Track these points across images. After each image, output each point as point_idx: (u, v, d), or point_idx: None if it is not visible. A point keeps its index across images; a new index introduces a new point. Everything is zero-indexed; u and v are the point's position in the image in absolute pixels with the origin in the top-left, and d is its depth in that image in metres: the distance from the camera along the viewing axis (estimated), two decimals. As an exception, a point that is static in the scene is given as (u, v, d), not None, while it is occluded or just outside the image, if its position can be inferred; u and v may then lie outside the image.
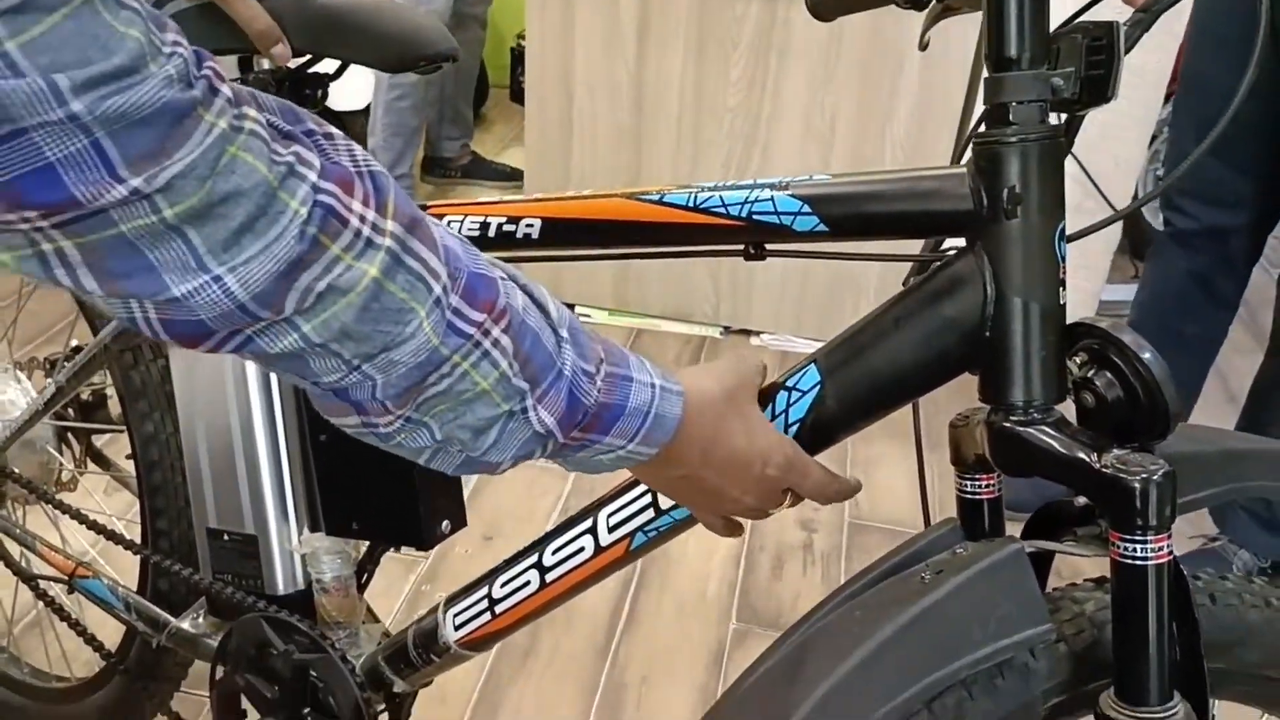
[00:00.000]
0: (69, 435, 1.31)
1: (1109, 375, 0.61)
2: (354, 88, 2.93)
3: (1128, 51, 0.64)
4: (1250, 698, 0.69)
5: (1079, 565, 0.65)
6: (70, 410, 1.28)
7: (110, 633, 1.19)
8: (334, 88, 2.97)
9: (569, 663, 1.58)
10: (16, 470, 1.22)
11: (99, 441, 1.36)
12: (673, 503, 0.74)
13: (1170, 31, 1.92)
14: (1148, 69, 2.04)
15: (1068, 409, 0.63)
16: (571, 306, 2.54)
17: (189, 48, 0.40)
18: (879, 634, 0.58)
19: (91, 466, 1.34)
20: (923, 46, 0.88)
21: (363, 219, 0.45)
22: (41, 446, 1.27)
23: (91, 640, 1.18)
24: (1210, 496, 0.65)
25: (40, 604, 1.21)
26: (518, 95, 3.60)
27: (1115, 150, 2.17)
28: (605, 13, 2.21)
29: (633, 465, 0.61)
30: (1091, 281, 2.34)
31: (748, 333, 2.54)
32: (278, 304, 0.43)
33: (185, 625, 1.06)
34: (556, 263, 2.51)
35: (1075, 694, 0.63)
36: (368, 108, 2.97)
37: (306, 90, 0.91)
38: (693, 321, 2.54)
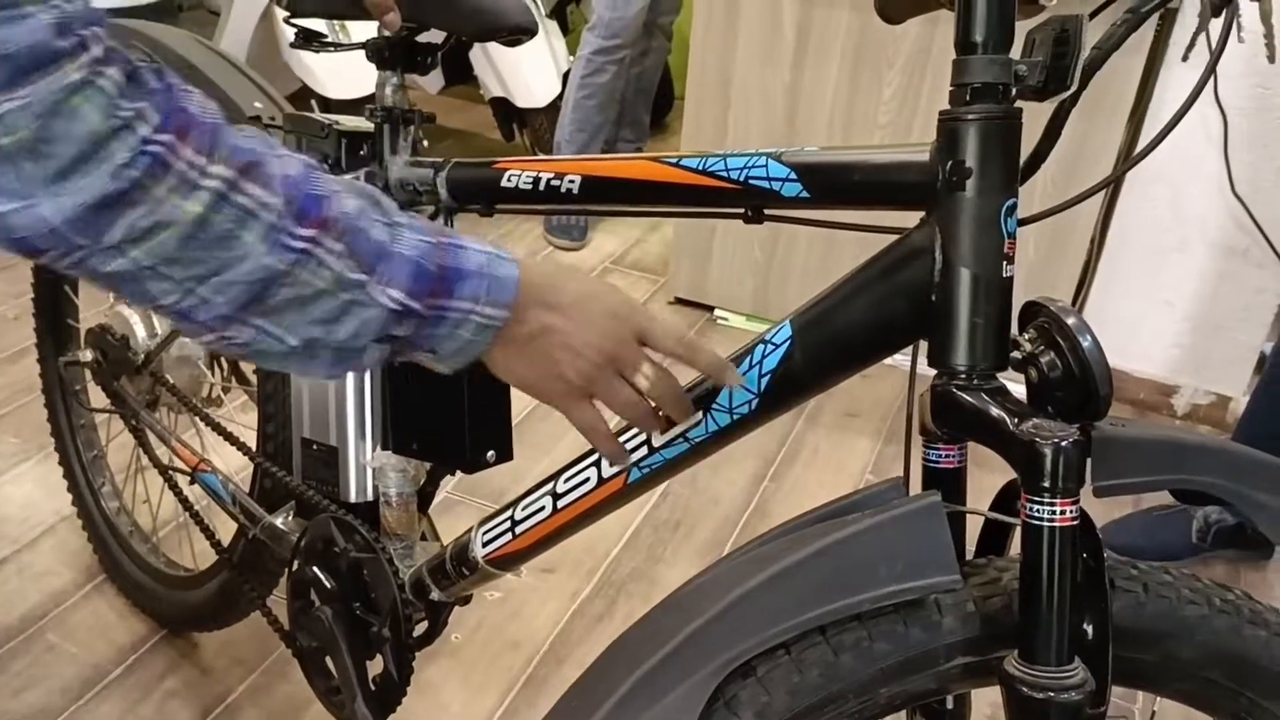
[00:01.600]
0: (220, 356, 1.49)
1: (1052, 354, 0.64)
2: (536, 89, 3.13)
3: (1114, 50, 0.67)
4: (1193, 699, 0.69)
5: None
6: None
7: (225, 534, 1.35)
8: (519, 87, 3.18)
9: (638, 631, 1.65)
10: (170, 379, 1.41)
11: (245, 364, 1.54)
12: (664, 442, 0.80)
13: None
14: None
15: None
16: (711, 309, 2.63)
17: (85, 4, 0.47)
18: (787, 559, 0.63)
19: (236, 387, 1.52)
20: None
21: (191, 164, 0.51)
22: (194, 362, 1.45)
23: (209, 532, 1.34)
24: (1155, 482, 0.66)
25: (179, 504, 1.39)
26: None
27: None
28: (768, 24, 2.28)
29: (492, 338, 0.64)
30: (1250, 335, 2.22)
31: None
32: (99, 233, 0.50)
33: (276, 521, 1.20)
34: (697, 268, 2.58)
35: (985, 659, 0.65)
36: (547, 107, 3.15)
37: (417, 56, 1.02)
38: (829, 335, 2.56)
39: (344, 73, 2.61)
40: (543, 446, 2.10)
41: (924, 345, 0.70)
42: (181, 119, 0.52)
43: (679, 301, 2.71)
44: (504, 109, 3.28)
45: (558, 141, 3.06)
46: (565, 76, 3.10)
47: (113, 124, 0.48)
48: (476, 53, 3.18)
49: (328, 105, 2.63)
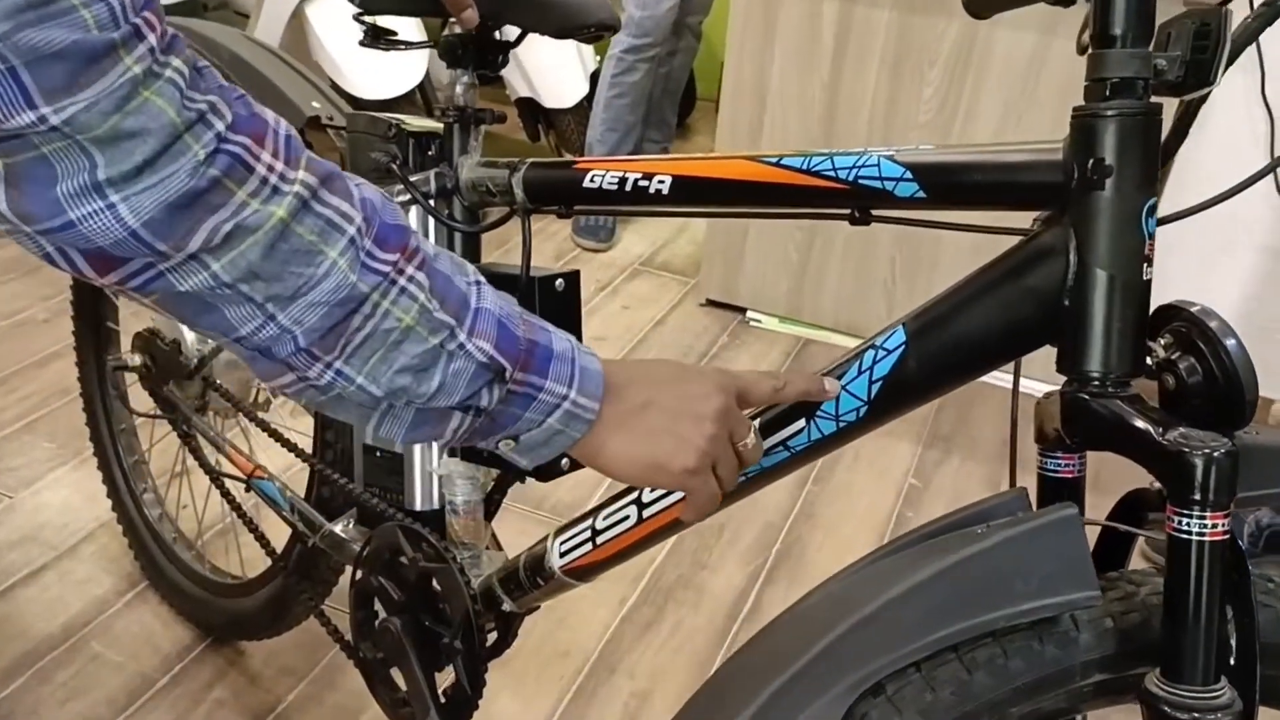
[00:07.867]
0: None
1: (1192, 359, 0.62)
2: (564, 90, 3.11)
3: (1247, 45, 0.65)
4: (1330, 718, 0.67)
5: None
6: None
7: (279, 540, 1.33)
8: (546, 88, 3.16)
9: (687, 639, 1.63)
10: (221, 384, 1.39)
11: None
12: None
13: None
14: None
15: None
16: (743, 310, 2.60)
17: None
18: (918, 574, 0.60)
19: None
20: (1081, 50, 0.89)
21: (270, 168, 0.49)
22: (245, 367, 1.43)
23: (262, 538, 1.32)
24: (1288, 494, 0.63)
25: (227, 509, 1.37)
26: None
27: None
28: (807, 25, 2.25)
29: (584, 431, 0.61)
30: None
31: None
32: (177, 239, 0.47)
33: (337, 529, 1.18)
34: (730, 269, 2.56)
35: (1121, 676, 0.63)
36: (574, 108, 3.13)
37: (489, 55, 1.00)
38: (863, 336, 2.54)
39: (376, 72, 2.59)
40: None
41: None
42: (256, 124, 0.50)
43: (710, 303, 2.69)
44: (531, 109, 3.26)
45: (589, 142, 3.04)
46: (592, 77, 3.08)
47: (187, 116, 0.46)
48: (503, 53, 3.16)
49: (357, 105, 2.61)
